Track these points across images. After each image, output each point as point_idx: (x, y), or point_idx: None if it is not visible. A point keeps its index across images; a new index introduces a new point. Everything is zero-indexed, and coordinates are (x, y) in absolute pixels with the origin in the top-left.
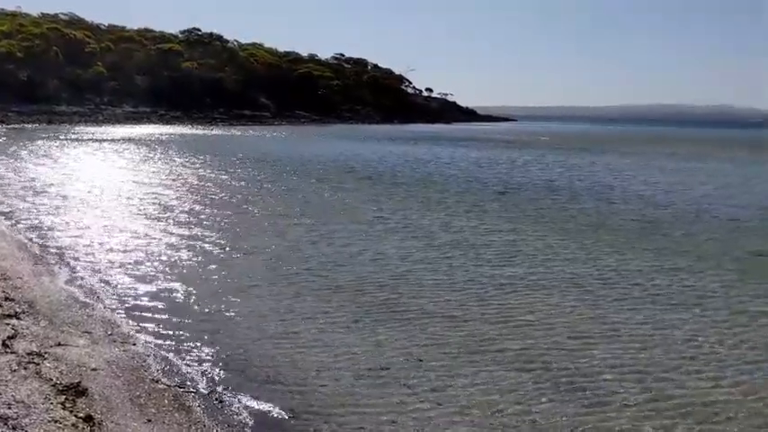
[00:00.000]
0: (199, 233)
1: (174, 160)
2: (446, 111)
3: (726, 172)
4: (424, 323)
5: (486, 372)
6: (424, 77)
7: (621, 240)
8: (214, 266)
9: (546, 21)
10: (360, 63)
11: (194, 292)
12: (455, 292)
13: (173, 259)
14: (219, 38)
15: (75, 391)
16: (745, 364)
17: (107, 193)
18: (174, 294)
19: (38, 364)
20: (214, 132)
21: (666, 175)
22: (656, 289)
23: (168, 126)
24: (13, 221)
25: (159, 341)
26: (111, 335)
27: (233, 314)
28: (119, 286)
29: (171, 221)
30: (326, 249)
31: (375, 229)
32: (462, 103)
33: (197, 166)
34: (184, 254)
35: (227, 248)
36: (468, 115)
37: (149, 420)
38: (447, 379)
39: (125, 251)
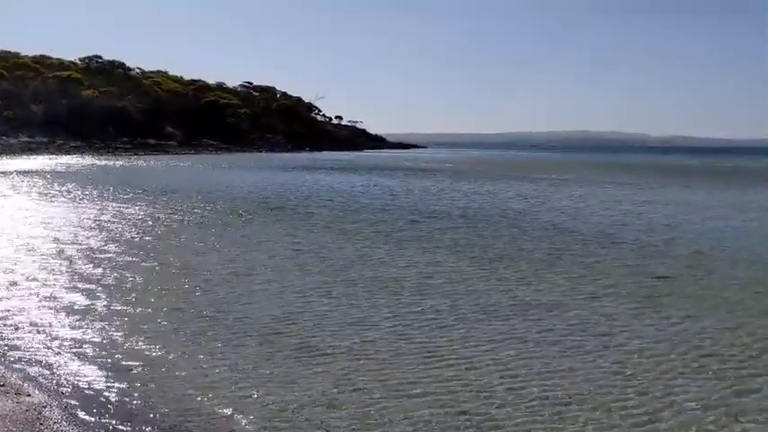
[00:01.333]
0: (96, 274)
1: (71, 194)
2: (356, 138)
3: (621, 197)
4: (341, 363)
5: (405, 414)
6: (334, 105)
7: (536, 268)
8: (116, 308)
9: (462, 47)
10: (268, 91)
11: (94, 337)
12: (373, 329)
13: (69, 303)
14: (122, 65)
15: None
16: (673, 393)
17: None
18: (72, 340)
19: None
20: (116, 163)
21: (574, 201)
22: (578, 320)
23: (68, 156)
24: None
25: (57, 391)
26: (2, 386)
27: (138, 360)
28: (6, 336)
29: (67, 262)
30: (239, 286)
31: (290, 262)
32: (372, 130)
33: (96, 200)
34: (82, 297)
35: (129, 290)
36: (378, 142)
37: None
38: (363, 421)
39: (11, 297)
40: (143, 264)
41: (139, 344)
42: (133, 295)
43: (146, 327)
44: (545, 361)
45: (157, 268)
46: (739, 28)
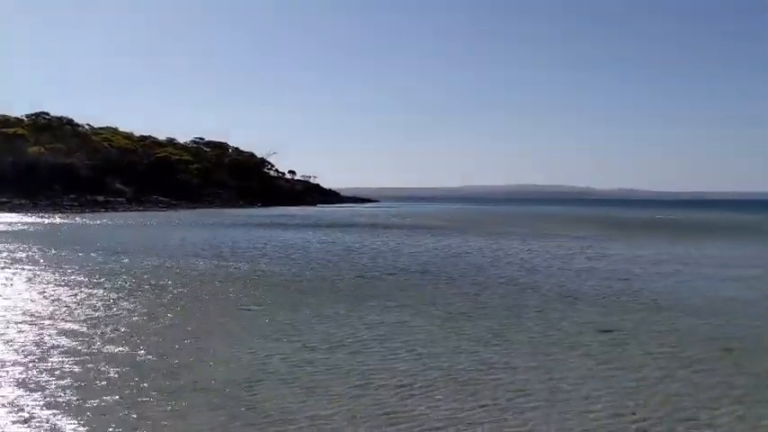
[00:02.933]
0: (33, 353)
1: (9, 257)
2: (309, 193)
3: (575, 250)
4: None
5: None
6: (287, 160)
7: (500, 327)
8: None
9: (418, 100)
10: (220, 146)
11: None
12: (336, 403)
13: None
14: (70, 122)
15: None
16: None
17: None
18: None
19: None
20: (61, 221)
21: (533, 254)
22: (549, 383)
23: (12, 214)
24: None
25: None
26: None
27: None
28: None
29: None
30: (194, 351)
31: (245, 328)
32: (325, 184)
33: (35, 264)
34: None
35: (65, 372)
36: (331, 197)
37: None
38: None
39: None
40: (90, 336)
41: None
42: (78, 379)
43: (93, 406)
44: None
45: (106, 339)
46: (685, 84)
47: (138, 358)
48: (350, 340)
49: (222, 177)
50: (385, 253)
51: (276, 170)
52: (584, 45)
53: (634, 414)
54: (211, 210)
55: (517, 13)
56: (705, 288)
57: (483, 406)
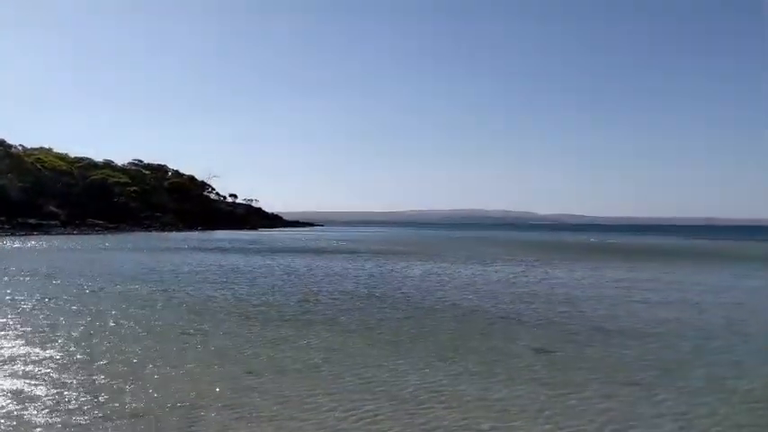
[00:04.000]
0: None
1: None
2: (251, 216)
3: (517, 273)
4: None
5: None
6: (228, 184)
7: (446, 350)
8: None
9: (361, 125)
10: (159, 169)
11: None
12: (281, 429)
13: None
14: (2, 143)
15: None
16: None
17: None
18: None
19: None
20: None
21: (477, 278)
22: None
23: None
24: None
25: None
26: None
27: None
28: None
29: None
30: (132, 377)
31: (183, 355)
32: (268, 208)
33: None
34: None
35: None
36: (274, 221)
37: None
38: None
39: None
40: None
41: None
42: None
43: None
44: None
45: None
46: (624, 114)
47: (72, 383)
48: (296, 365)
49: (162, 200)
50: (330, 276)
51: (217, 193)
52: (537, 72)
53: None
54: (151, 233)
55: (461, 34)
56: (639, 310)
57: (431, 428)
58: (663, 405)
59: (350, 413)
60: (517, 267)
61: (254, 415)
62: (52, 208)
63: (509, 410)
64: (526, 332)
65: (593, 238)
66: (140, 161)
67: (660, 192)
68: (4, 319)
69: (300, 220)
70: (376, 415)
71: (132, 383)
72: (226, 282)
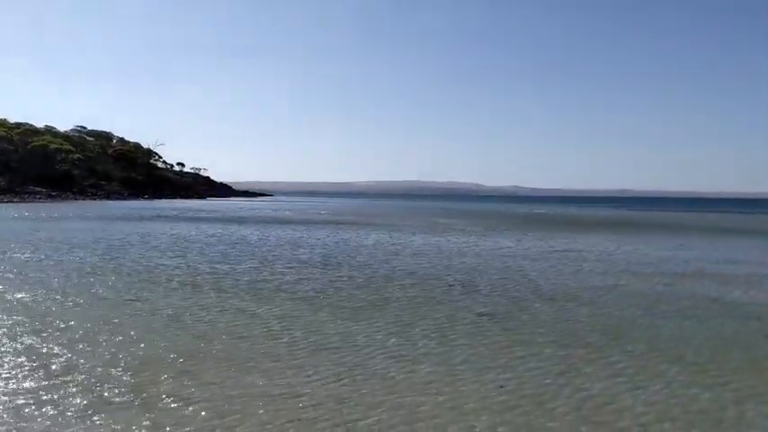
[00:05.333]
0: None
1: None
2: (199, 186)
3: (471, 242)
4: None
5: None
6: (176, 152)
7: (402, 318)
8: None
9: (308, 93)
10: (104, 136)
11: None
12: (224, 390)
13: None
14: None
15: None
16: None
17: None
18: None
19: None
20: None
21: (431, 247)
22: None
23: None
24: None
25: None
26: None
27: None
28: None
29: None
30: (77, 343)
31: (134, 322)
32: (217, 177)
33: None
34: None
35: None
36: (223, 190)
37: None
38: None
39: None
40: None
41: None
42: None
43: None
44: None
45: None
46: (581, 85)
47: (15, 347)
48: (252, 331)
49: (106, 168)
50: (283, 245)
51: (164, 161)
52: (485, 37)
53: (502, 386)
54: (96, 202)
55: (409, 9)
56: (586, 278)
57: (389, 393)
58: (615, 366)
59: (309, 377)
60: (468, 237)
61: (206, 379)
62: None
63: (466, 374)
64: (481, 299)
65: (538, 209)
66: (83, 128)
67: (607, 165)
68: None
69: (251, 190)
70: (338, 377)
71: (81, 351)
72: (177, 250)
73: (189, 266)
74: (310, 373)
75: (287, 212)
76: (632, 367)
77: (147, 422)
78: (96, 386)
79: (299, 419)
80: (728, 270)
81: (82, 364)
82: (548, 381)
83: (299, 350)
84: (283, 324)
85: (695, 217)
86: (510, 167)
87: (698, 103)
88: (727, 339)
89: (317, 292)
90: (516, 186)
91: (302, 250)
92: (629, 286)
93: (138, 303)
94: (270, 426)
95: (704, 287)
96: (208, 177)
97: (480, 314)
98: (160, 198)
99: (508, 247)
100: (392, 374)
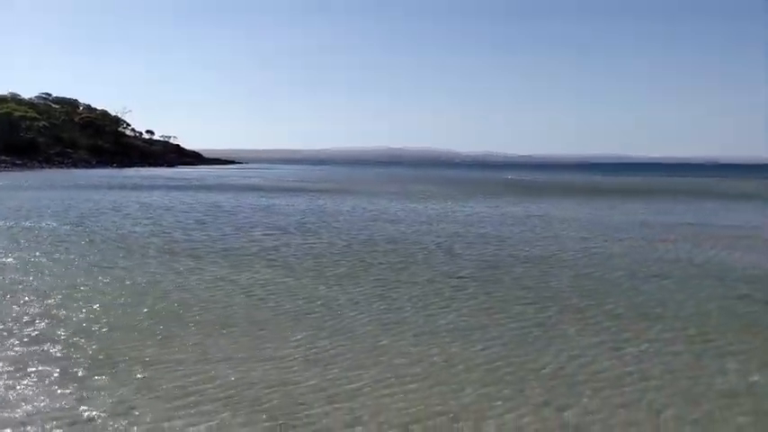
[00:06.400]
0: None
1: None
2: (169, 154)
3: (448, 208)
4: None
5: None
6: (145, 120)
7: (384, 280)
8: None
9: (276, 64)
10: (70, 103)
11: None
12: (189, 348)
13: None
14: None
15: None
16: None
17: None
18: None
19: None
20: None
21: (408, 213)
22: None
23: None
24: None
25: None
26: None
27: None
28: None
29: None
30: (47, 308)
31: (110, 288)
32: (188, 145)
33: None
34: None
35: None
36: (194, 158)
37: None
38: None
39: None
40: None
41: None
42: None
43: None
44: None
45: None
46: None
47: None
48: (235, 298)
49: (73, 136)
50: (259, 212)
51: (133, 129)
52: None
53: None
54: (63, 170)
55: None
56: (560, 242)
57: (377, 354)
58: (597, 327)
59: (292, 342)
60: (445, 203)
61: (185, 341)
62: None
63: (451, 336)
64: (462, 263)
65: (512, 176)
66: (48, 95)
67: (577, 131)
68: None
69: (221, 158)
70: (324, 342)
71: (56, 318)
72: (151, 218)
73: (164, 234)
74: (298, 338)
75: (260, 180)
76: (615, 327)
77: (122, 389)
78: (71, 353)
79: (283, 384)
80: (703, 232)
81: (57, 333)
82: (530, 341)
83: (282, 315)
84: (267, 290)
85: (666, 182)
86: (482, 135)
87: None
88: (704, 300)
89: (297, 258)
90: (492, 153)
91: (279, 217)
92: (607, 250)
93: (114, 271)
94: (257, 386)
95: (681, 250)
96: (177, 145)
97: (462, 278)
98: (129, 166)
99: (485, 213)
100: (379, 339)
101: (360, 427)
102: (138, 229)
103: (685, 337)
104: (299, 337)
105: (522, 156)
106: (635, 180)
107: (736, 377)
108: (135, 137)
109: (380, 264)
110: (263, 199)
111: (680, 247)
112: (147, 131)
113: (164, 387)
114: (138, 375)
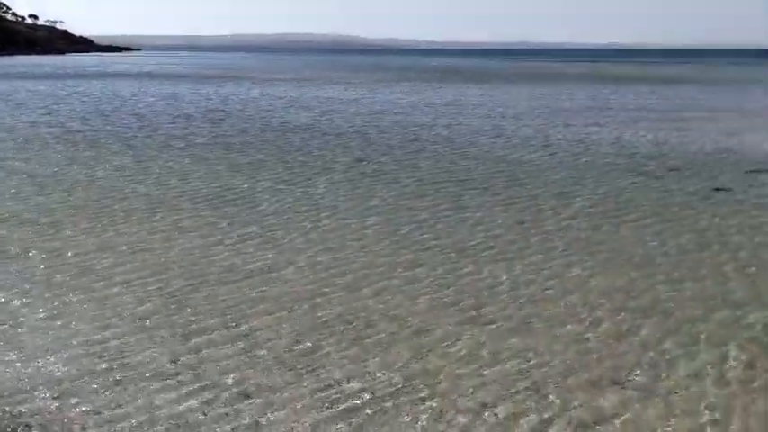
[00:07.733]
0: None
1: None
2: (57, 41)
3: (352, 96)
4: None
5: None
6: (28, 4)
7: (298, 166)
8: None
9: None
10: None
11: None
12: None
13: None
14: None
15: None
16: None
17: None
18: None
19: None
20: None
21: (315, 100)
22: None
23: None
24: None
25: None
26: None
27: None
28: None
29: None
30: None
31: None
32: (77, 32)
33: None
34: None
35: None
36: (84, 45)
37: None
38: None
39: None
40: None
41: None
42: None
43: None
44: None
45: None
46: None
47: None
48: (128, 187)
49: None
50: (163, 101)
51: (14, 13)
52: None
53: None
54: None
55: None
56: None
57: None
58: (505, 203)
59: (221, 232)
60: (358, 89)
61: (78, 232)
62: None
63: (375, 226)
64: (376, 148)
65: (434, 62)
66: None
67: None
68: None
69: (114, 45)
70: (243, 231)
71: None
72: (45, 108)
73: (61, 124)
74: (223, 225)
75: (160, 68)
76: (518, 202)
77: (15, 274)
78: None
79: (193, 267)
80: (598, 115)
81: None
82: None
83: (192, 201)
84: (180, 178)
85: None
86: (393, 19)
87: None
88: (599, 172)
89: (207, 146)
90: (399, 39)
91: (184, 105)
92: (515, 132)
93: (6, 162)
94: (171, 273)
95: (573, 132)
96: (65, 31)
97: (370, 162)
98: (13, 55)
99: (398, 100)
100: (296, 226)
101: (263, 305)
102: (32, 119)
103: (602, 213)
104: (223, 225)
105: (448, 42)
106: (540, 64)
107: (653, 247)
108: (17, 22)
109: (299, 148)
110: (165, 87)
111: (572, 130)
112: (31, 16)
113: (49, 273)
114: (25, 262)
